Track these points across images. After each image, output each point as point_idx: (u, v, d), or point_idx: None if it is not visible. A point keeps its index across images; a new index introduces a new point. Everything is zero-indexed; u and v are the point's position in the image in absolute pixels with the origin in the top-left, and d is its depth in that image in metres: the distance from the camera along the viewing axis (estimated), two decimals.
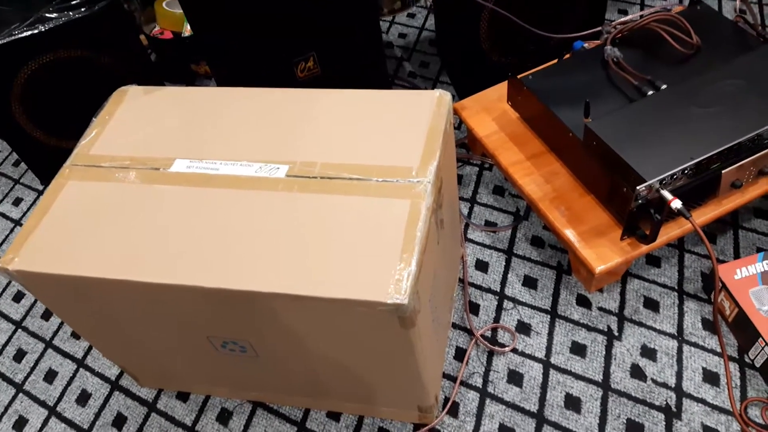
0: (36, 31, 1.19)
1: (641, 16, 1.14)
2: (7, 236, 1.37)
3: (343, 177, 0.78)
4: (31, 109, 1.30)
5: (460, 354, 1.04)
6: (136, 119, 0.90)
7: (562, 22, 1.32)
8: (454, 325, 1.07)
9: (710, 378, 0.97)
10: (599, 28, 1.17)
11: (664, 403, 0.95)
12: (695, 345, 1.00)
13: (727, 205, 1.00)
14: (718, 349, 0.99)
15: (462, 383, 1.01)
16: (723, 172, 0.94)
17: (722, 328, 1.01)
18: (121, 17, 1.29)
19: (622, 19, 1.15)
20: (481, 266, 1.15)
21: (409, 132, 0.82)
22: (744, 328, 0.97)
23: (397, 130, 0.82)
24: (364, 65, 1.32)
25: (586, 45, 1.18)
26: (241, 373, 0.93)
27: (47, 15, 1.21)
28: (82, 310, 0.83)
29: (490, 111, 1.21)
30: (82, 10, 1.22)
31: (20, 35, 1.18)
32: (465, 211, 1.24)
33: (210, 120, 0.88)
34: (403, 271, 0.68)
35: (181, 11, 1.51)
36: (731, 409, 0.93)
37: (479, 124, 1.19)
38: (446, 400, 0.99)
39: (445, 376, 1.02)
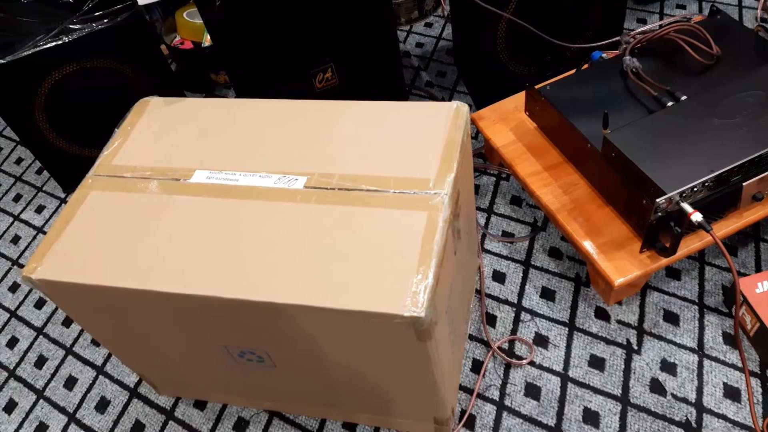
0: (60, 42, 1.22)
1: (660, 26, 1.14)
2: (29, 243, 1.39)
3: (360, 188, 0.78)
4: (54, 119, 1.33)
5: (476, 366, 1.03)
6: (157, 130, 0.91)
7: (580, 31, 1.32)
8: (471, 337, 1.07)
9: (731, 393, 0.95)
10: (618, 38, 1.17)
11: (684, 418, 0.94)
12: (716, 359, 0.99)
13: (748, 218, 0.99)
14: (740, 364, 0.98)
15: (479, 396, 1.00)
16: (744, 184, 0.93)
17: (743, 342, 1.00)
18: (143, 28, 1.31)
19: (641, 29, 1.14)
20: (498, 277, 1.14)
21: (426, 144, 0.82)
22: (766, 343, 0.95)
23: (414, 141, 0.83)
24: (381, 75, 1.33)
25: (604, 55, 1.18)
26: (258, 383, 0.94)
27: (71, 26, 1.23)
28: (102, 318, 0.84)
29: (508, 121, 1.21)
30: (105, 21, 1.25)
31: (45, 46, 1.21)
32: (482, 222, 1.24)
33: (229, 131, 0.89)
34: (420, 283, 0.68)
35: (202, 22, 1.53)
36: (753, 426, 0.92)
37: (496, 134, 1.19)
38: (463, 412, 0.99)
39: (462, 388, 1.01)
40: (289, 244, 0.74)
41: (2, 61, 1.19)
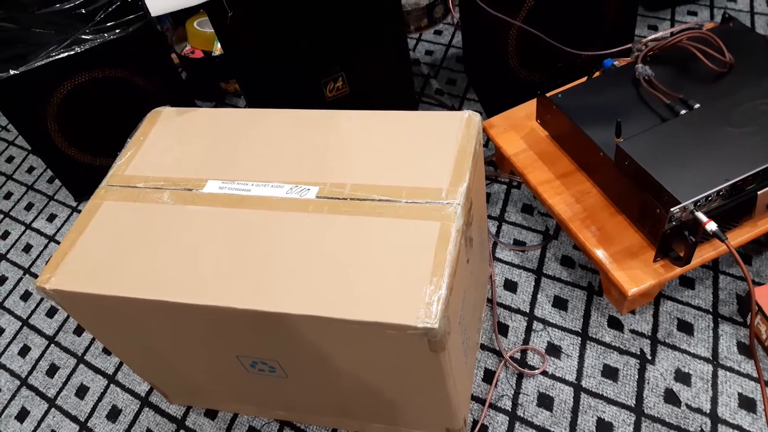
0: (72, 53, 1.23)
1: (672, 34, 1.13)
2: (41, 252, 1.40)
3: (373, 198, 0.78)
4: (66, 128, 1.34)
5: (489, 376, 1.03)
6: (169, 140, 0.92)
7: (591, 38, 1.31)
8: (483, 347, 1.06)
9: (746, 404, 0.94)
10: (629, 45, 1.16)
11: (699, 429, 0.93)
12: (731, 369, 0.98)
13: (763, 227, 0.98)
14: (755, 374, 0.97)
15: (491, 406, 0.99)
16: (759, 193, 0.92)
17: (759, 352, 0.99)
18: (154, 38, 1.32)
19: (653, 36, 1.14)
20: (510, 286, 1.14)
21: (438, 153, 0.82)
22: None
23: (426, 151, 0.82)
24: (392, 83, 1.33)
25: (616, 62, 1.17)
26: (270, 392, 0.94)
27: (83, 37, 1.24)
28: (114, 328, 0.84)
29: (519, 129, 1.21)
30: (117, 31, 1.25)
31: (57, 56, 1.22)
32: (493, 230, 1.23)
33: (241, 141, 0.89)
34: (433, 294, 0.67)
35: (212, 31, 1.54)
36: None
37: (508, 143, 1.19)
38: (475, 422, 0.98)
39: (474, 398, 1.01)
40: (301, 254, 0.74)
41: (15, 72, 1.20)
